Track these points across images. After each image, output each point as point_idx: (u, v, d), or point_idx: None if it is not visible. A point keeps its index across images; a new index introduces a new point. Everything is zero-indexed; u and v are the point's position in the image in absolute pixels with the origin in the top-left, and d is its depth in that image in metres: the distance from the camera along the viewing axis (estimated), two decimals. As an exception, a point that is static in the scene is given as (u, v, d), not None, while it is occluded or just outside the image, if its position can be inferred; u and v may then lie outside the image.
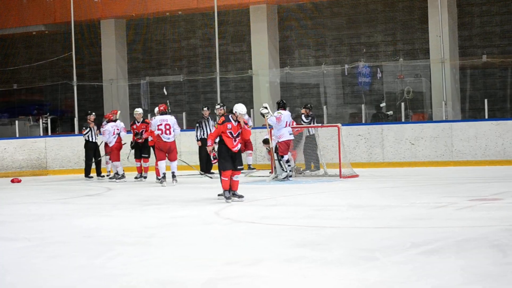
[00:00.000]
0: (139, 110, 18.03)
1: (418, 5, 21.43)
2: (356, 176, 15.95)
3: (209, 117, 17.95)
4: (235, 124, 12.09)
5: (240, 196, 12.12)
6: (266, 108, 16.04)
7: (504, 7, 20.97)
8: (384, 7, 22.11)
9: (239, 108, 12.14)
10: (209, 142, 12.43)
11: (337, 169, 16.02)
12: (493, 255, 6.69)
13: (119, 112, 18.85)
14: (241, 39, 23.80)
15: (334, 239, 7.88)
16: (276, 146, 16.01)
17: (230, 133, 12.03)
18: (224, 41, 23.23)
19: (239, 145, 12.13)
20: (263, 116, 16.10)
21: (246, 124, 12.55)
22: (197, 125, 17.90)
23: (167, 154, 16.03)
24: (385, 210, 10.33)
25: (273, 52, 23.25)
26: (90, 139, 18.87)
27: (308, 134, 17.11)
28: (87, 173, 18.94)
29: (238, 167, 12.06)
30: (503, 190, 12.24)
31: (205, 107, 18.21)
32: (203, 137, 17.60)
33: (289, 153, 16.05)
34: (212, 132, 13.51)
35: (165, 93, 23.71)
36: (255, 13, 23.12)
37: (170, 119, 16.11)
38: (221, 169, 12.04)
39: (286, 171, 15.88)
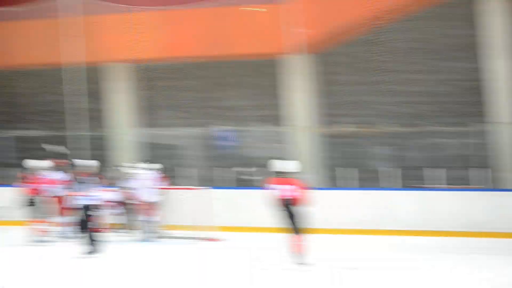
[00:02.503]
0: None
1: (273, 72, 21.81)
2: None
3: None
4: None
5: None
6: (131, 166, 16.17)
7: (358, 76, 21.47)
8: (245, 71, 22.40)
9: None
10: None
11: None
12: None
13: None
14: (99, 96, 23.45)
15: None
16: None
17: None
18: (81, 98, 22.81)
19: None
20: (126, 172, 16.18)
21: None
22: None
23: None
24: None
25: (135, 111, 23.15)
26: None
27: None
28: None
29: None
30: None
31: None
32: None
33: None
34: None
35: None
36: (113, 71, 23.01)
37: None
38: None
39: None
